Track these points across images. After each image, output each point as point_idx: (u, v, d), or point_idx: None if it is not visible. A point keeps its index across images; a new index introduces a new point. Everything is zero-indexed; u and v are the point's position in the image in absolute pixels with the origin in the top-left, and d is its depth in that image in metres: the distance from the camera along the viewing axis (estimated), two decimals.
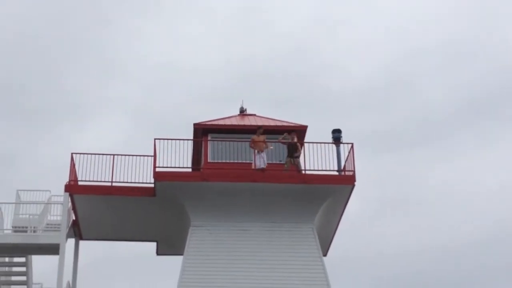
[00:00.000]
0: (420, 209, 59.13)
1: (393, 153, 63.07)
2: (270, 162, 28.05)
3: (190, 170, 28.16)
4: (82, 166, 27.58)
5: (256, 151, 27.55)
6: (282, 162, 28.11)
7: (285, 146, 28.09)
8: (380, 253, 55.14)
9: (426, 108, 64.09)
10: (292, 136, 28.23)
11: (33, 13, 65.43)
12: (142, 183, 27.61)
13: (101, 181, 27.53)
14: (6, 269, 28.85)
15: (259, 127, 28.21)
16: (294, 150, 27.90)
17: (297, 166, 27.72)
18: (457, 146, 63.37)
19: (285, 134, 28.18)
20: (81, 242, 30.03)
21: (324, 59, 66.16)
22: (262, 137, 27.79)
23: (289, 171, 27.52)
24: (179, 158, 27.20)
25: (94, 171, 27.49)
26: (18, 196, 28.81)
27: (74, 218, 28.71)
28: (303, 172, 27.47)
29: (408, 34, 67.59)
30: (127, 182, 27.54)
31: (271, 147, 28.12)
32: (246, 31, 67.78)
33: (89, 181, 27.49)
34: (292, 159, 27.76)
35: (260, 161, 27.37)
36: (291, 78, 64.32)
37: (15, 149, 60.62)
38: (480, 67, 64.93)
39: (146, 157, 27.70)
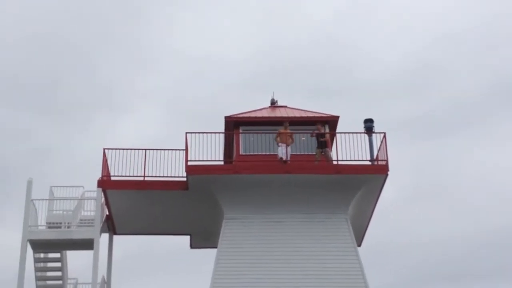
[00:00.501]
0: (457, 196, 58.86)
1: (428, 140, 62.69)
2: (301, 153, 27.95)
3: (222, 163, 28.14)
4: (115, 161, 27.68)
5: (279, 143, 27.40)
6: (313, 153, 27.94)
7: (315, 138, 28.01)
8: (415, 242, 54.89)
9: (460, 93, 63.58)
10: (319, 127, 28.04)
11: (64, 7, 65.85)
12: (175, 177, 27.62)
13: (133, 176, 27.58)
14: (42, 264, 28.98)
15: (284, 120, 28.08)
16: (324, 143, 27.74)
17: (327, 158, 27.56)
18: (492, 130, 62.82)
19: (318, 126, 28.04)
20: (115, 237, 30.18)
21: (355, 48, 65.85)
22: (287, 130, 27.67)
23: (320, 161, 27.38)
24: (211, 151, 27.19)
25: (126, 166, 27.59)
26: (51, 192, 28.90)
27: (107, 213, 28.83)
28: (335, 162, 27.27)
29: (437, 20, 67.11)
30: (159, 177, 27.58)
31: (292, 143, 27.85)
32: (277, 20, 67.59)
33: (122, 176, 27.57)
34: (322, 150, 27.61)
35: (283, 152, 27.22)
36: (324, 68, 64.16)
37: (49, 145, 61.24)
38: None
39: (178, 151, 27.71)
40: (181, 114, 61.60)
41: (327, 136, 28.18)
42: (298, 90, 59.41)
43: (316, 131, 27.98)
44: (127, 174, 27.57)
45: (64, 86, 64.32)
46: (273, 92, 31.90)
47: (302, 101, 45.71)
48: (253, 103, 30.60)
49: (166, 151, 27.79)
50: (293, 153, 27.75)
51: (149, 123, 62.48)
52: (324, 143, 27.84)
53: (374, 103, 61.49)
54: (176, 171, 27.55)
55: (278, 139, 27.56)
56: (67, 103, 63.61)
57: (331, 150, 28.07)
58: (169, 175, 27.60)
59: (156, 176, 27.55)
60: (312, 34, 66.14)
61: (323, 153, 27.63)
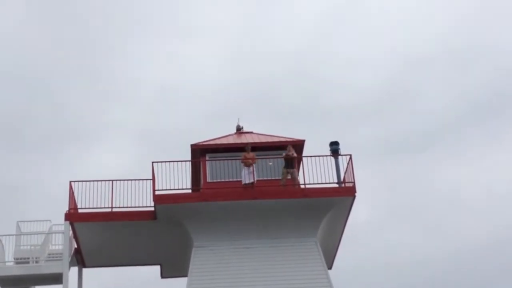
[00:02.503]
0: (429, 215, 59.16)
1: (400, 161, 63.17)
2: (268, 178, 28.04)
3: (190, 191, 28.06)
4: (82, 194, 27.54)
5: (244, 166, 27.57)
6: (279, 178, 27.99)
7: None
8: (389, 262, 55.02)
9: (431, 114, 64.24)
10: (290, 148, 28.16)
11: (28, 40, 65.74)
12: (143, 207, 27.52)
13: (101, 208, 27.43)
14: None
15: (246, 144, 28.25)
16: (291, 162, 27.82)
17: (293, 178, 27.62)
18: (464, 150, 63.49)
19: (289, 146, 28.12)
20: (85, 270, 29.91)
21: (323, 74, 66.29)
22: (251, 154, 27.82)
23: (286, 185, 27.42)
24: (179, 180, 27.15)
25: (94, 198, 27.44)
26: (18, 227, 28.66)
27: (76, 246, 28.58)
28: (302, 185, 27.36)
29: (406, 43, 67.84)
30: (127, 207, 27.44)
31: (254, 163, 27.96)
32: (245, 50, 67.97)
33: (90, 208, 27.41)
34: (288, 170, 27.66)
35: (247, 176, 27.35)
36: (292, 95, 64.46)
37: (16, 180, 60.61)
38: (481, 72, 65.11)
39: (145, 181, 27.62)
40: (151, 144, 61.50)
41: (294, 154, 28.24)
42: (266, 116, 59.72)
43: (286, 152, 28.04)
44: (95, 206, 27.42)
45: (31, 120, 64.07)
46: (238, 119, 32.07)
47: (270, 127, 45.81)
48: (223, 131, 30.73)
49: (134, 181, 27.69)
50: (260, 178, 27.81)
51: (118, 154, 62.27)
52: (291, 163, 27.85)
53: (344, 127, 61.94)
54: (144, 201, 27.49)
55: (242, 164, 27.71)
56: (35, 137, 63.29)
57: (298, 172, 28.14)
58: (137, 205, 27.48)
59: (124, 207, 27.41)
60: (280, 62, 66.60)
61: (289, 174, 27.67)
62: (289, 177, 27.71)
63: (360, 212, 47.09)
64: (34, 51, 65.69)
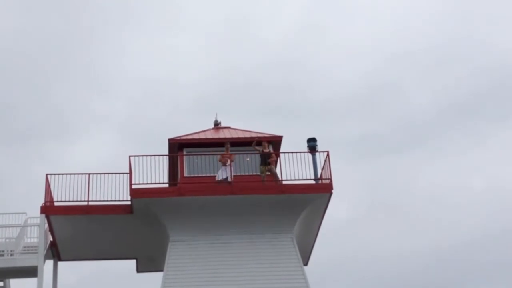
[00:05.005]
0: (409, 212, 59.48)
1: (380, 158, 63.42)
2: (246, 173, 28.02)
3: (167, 185, 28.01)
4: (58, 187, 27.39)
5: (221, 165, 27.62)
6: (258, 174, 28.02)
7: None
8: (368, 259, 55.26)
9: (412, 111, 64.54)
10: (264, 145, 28.16)
11: (16, 31, 65.32)
12: (120, 201, 27.39)
13: (77, 201, 27.30)
14: None
15: (225, 142, 28.16)
16: (267, 158, 27.84)
17: (272, 174, 27.65)
18: (444, 147, 63.90)
19: (253, 143, 28.10)
20: (60, 264, 29.75)
21: (307, 68, 66.42)
22: (228, 152, 27.84)
23: (266, 181, 27.45)
24: (156, 174, 27.08)
25: (70, 192, 27.30)
26: None
27: (51, 239, 28.44)
28: (280, 181, 27.39)
29: (389, 40, 68.04)
30: (104, 201, 27.32)
31: (232, 162, 27.95)
32: (228, 43, 67.92)
33: (66, 201, 27.27)
34: (266, 167, 27.69)
35: (222, 173, 27.35)
36: (276, 89, 64.53)
37: None
38: (463, 69, 65.55)
39: (122, 175, 27.51)
40: (133, 138, 61.38)
41: (273, 156, 28.25)
42: (248, 111, 59.79)
43: (259, 149, 28.04)
44: (71, 199, 27.29)
45: (14, 112, 63.68)
46: (216, 114, 32.05)
47: (251, 122, 45.93)
48: (204, 125, 30.68)
49: (111, 175, 27.54)
50: (237, 174, 27.81)
51: (100, 147, 62.11)
52: (266, 160, 27.87)
53: (326, 122, 62.17)
54: (121, 195, 27.37)
55: (220, 161, 27.72)
56: (15, 129, 62.93)
57: (275, 167, 28.16)
58: (113, 199, 27.37)
59: (100, 201, 27.30)
60: (263, 55, 66.62)
61: (268, 171, 27.68)
62: (268, 173, 27.73)
63: (340, 209, 47.33)
64: (18, 41, 65.34)
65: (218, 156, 27.86)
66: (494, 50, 64.63)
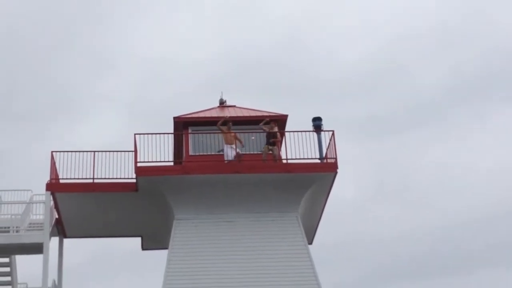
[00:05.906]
0: (415, 192, 59.49)
1: (387, 138, 63.33)
2: (251, 152, 28.02)
3: (172, 164, 28.02)
4: (64, 164, 27.45)
5: (225, 144, 27.56)
6: (261, 152, 28.01)
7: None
8: (373, 239, 55.36)
9: (418, 91, 64.36)
10: (272, 125, 28.14)
11: (20, 12, 65.22)
12: (125, 178, 27.42)
13: (83, 179, 27.35)
14: None
15: (227, 121, 27.98)
16: (272, 138, 27.81)
17: (273, 155, 27.62)
18: (450, 128, 63.90)
19: (262, 122, 28.06)
20: (66, 240, 29.87)
21: (314, 47, 66.18)
22: (230, 131, 27.71)
23: (267, 160, 27.42)
24: (161, 152, 27.06)
25: (76, 169, 27.35)
26: None
27: (57, 216, 28.55)
28: (285, 161, 27.38)
29: (395, 20, 67.74)
30: (109, 178, 27.35)
31: (242, 143, 27.91)
32: (234, 22, 67.71)
33: (71, 179, 27.33)
34: (269, 146, 27.66)
35: (229, 153, 27.31)
36: (280, 68, 64.38)
37: (1, 150, 60.38)
38: (470, 49, 65.26)
39: (128, 153, 27.53)
40: (139, 117, 61.37)
41: (279, 136, 28.22)
42: (254, 90, 59.60)
43: (266, 128, 28.01)
44: (77, 177, 27.33)
45: (21, 91, 63.77)
46: (222, 92, 31.94)
47: (257, 100, 45.75)
48: (210, 104, 30.63)
49: (116, 153, 27.58)
50: (243, 153, 27.78)
51: (107, 126, 62.12)
52: (273, 142, 27.88)
53: (332, 102, 61.98)
54: (126, 173, 27.40)
55: (224, 139, 27.63)
56: (24, 107, 63.04)
57: (280, 149, 28.14)
58: (119, 177, 27.41)
59: (105, 178, 27.33)
60: (268, 34, 66.38)
61: (270, 151, 27.67)
62: (270, 152, 27.71)
63: (346, 189, 47.30)
64: (21, 21, 65.22)
65: (224, 136, 27.70)
66: (503, 30, 64.39)
